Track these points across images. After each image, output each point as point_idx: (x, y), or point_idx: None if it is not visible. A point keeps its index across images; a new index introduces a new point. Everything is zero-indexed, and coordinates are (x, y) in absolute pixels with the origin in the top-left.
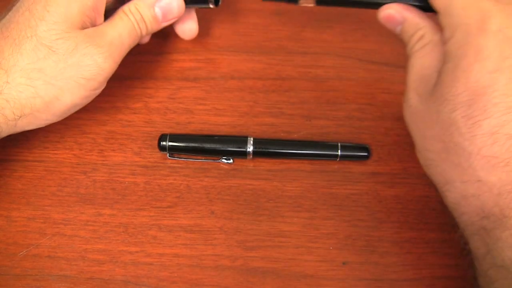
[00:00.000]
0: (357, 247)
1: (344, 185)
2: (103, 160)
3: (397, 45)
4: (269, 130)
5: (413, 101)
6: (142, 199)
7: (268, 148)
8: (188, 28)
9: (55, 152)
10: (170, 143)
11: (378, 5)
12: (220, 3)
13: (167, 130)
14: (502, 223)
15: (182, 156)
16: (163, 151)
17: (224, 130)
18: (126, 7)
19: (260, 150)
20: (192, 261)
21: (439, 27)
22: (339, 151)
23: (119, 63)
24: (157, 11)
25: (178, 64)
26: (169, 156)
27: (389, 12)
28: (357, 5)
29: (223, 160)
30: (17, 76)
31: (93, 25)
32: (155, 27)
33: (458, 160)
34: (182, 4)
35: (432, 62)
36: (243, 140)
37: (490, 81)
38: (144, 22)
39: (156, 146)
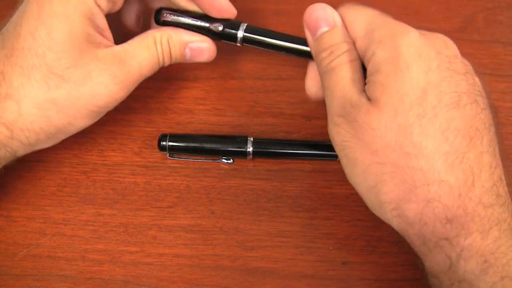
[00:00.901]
0: (357, 247)
1: (344, 185)
2: (103, 160)
3: None
4: (269, 130)
5: (354, 116)
6: (142, 199)
7: (268, 148)
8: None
9: (55, 152)
10: (170, 143)
11: (298, 53)
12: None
13: (167, 130)
14: (464, 228)
15: (182, 156)
16: (163, 151)
17: (224, 130)
18: (158, 36)
19: (260, 150)
20: (192, 261)
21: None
22: None
23: (132, 90)
24: (187, 51)
25: (178, 64)
26: (169, 156)
27: (322, 11)
28: (277, 49)
29: (223, 160)
30: (29, 107)
31: (103, 36)
32: (179, 61)
33: (418, 163)
34: (214, 51)
35: (360, 77)
36: (243, 140)
37: (427, 79)
38: (170, 56)
39: (156, 146)
